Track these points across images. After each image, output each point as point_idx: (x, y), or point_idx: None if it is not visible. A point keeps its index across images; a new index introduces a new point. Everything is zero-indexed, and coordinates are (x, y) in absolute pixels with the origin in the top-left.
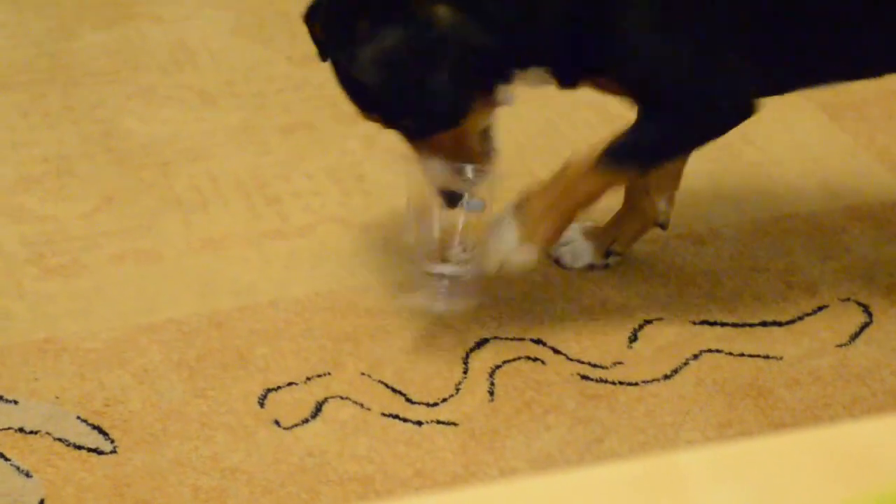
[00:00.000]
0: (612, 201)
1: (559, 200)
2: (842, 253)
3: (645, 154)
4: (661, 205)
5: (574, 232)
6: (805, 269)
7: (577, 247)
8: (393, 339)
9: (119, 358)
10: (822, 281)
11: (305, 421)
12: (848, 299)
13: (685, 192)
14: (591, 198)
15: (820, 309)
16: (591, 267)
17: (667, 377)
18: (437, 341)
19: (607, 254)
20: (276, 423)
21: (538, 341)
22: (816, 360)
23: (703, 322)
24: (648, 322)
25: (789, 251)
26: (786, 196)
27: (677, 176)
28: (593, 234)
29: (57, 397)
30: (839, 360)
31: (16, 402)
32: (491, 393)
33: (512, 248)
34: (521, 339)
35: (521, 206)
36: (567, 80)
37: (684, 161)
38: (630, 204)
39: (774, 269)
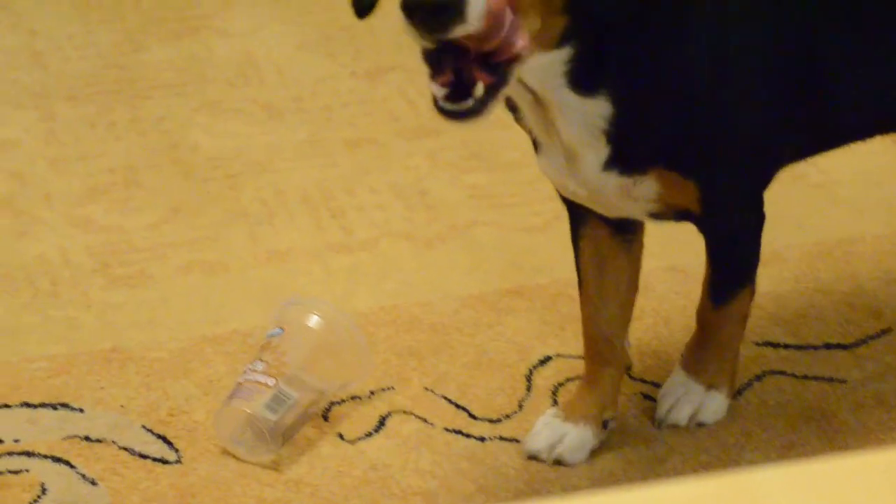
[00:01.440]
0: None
1: (722, 350)
2: None
3: (742, 273)
4: (626, 348)
5: (556, 425)
6: (869, 291)
7: (573, 439)
8: (456, 355)
9: (184, 368)
10: (887, 304)
11: (369, 434)
12: None
13: None
14: (744, 324)
15: (884, 332)
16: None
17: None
18: (501, 358)
19: (604, 423)
20: (340, 436)
21: None
22: (880, 384)
23: (767, 343)
24: None
25: (853, 274)
26: (849, 218)
27: (629, 312)
28: (578, 415)
29: (122, 406)
30: None
31: (82, 411)
32: None
33: (723, 411)
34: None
35: (698, 374)
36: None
37: (634, 297)
38: (597, 365)
39: (838, 292)
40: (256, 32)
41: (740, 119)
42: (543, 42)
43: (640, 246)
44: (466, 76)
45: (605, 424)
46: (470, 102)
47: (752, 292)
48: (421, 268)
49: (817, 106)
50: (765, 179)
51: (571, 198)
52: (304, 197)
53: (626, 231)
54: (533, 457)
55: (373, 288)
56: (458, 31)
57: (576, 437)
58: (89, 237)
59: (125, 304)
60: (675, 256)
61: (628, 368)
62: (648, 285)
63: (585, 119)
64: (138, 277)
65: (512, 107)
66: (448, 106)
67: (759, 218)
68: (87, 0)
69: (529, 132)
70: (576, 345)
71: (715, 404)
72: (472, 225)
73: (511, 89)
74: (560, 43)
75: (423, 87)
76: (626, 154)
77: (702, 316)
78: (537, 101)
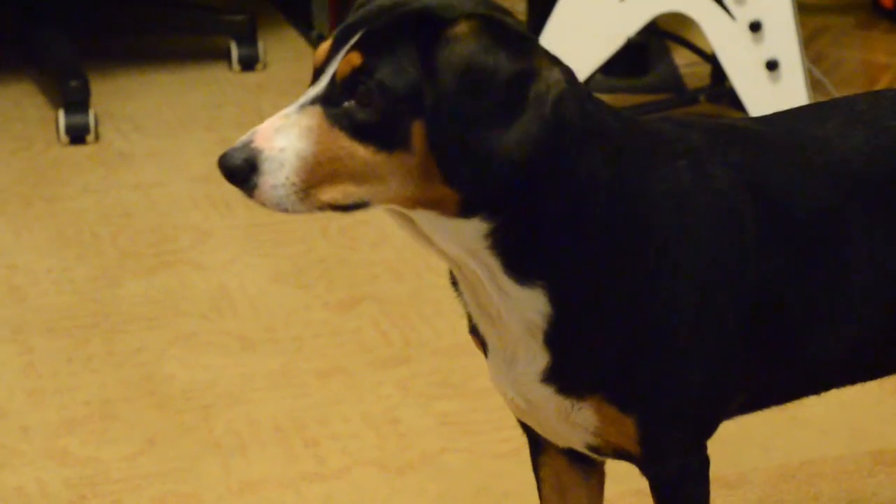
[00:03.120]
0: None
1: None
2: (868, 497)
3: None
4: None
5: None
6: None
7: None
8: None
9: None
10: None
11: None
12: None
13: (715, 437)
14: None
15: None
16: None
17: None
18: None
19: None
20: None
21: None
22: None
23: None
24: None
25: (816, 495)
26: (813, 440)
27: None
28: None
29: None
30: None
31: None
32: None
33: None
34: None
35: None
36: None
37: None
38: None
39: None
40: (230, 265)
41: (691, 363)
42: (438, 208)
43: (602, 475)
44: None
45: None
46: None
47: None
48: (393, 496)
49: (773, 358)
50: (708, 428)
51: (514, 411)
52: (277, 427)
53: (586, 460)
54: None
55: None
56: (260, 197)
57: None
58: (66, 470)
59: None
60: (639, 481)
61: None
62: None
63: (524, 313)
64: None
65: (458, 292)
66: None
67: (703, 461)
68: (65, 236)
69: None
70: None
71: None
72: (443, 452)
73: (448, 265)
74: (464, 213)
75: (395, 318)
76: (565, 368)
77: None
78: (472, 284)
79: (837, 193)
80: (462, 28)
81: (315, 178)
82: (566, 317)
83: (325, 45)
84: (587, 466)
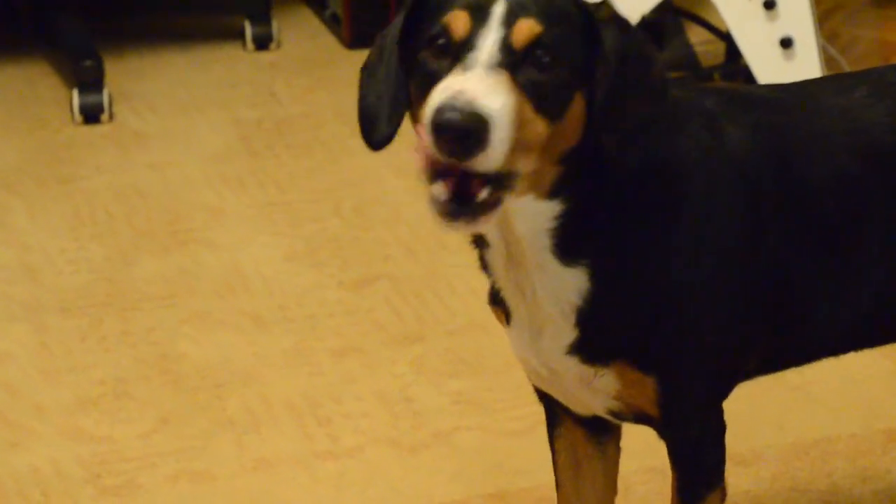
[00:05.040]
0: None
1: None
2: (882, 474)
3: (708, 476)
4: None
5: None
6: (845, 490)
7: None
8: None
9: None
10: (862, 501)
11: None
12: None
13: (729, 414)
14: None
15: None
16: None
17: None
18: None
19: None
20: None
21: None
22: None
23: None
24: None
25: (830, 472)
26: (827, 418)
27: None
28: None
29: None
30: None
31: None
32: None
33: None
34: None
35: None
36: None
37: (612, 500)
38: None
39: (815, 490)
40: (244, 244)
41: (709, 323)
42: (537, 187)
43: (617, 450)
44: (469, 184)
45: None
46: (473, 206)
47: (724, 494)
48: (406, 474)
49: (787, 322)
50: (724, 389)
51: (534, 380)
52: (290, 405)
53: (602, 434)
54: None
55: (359, 495)
56: (480, 163)
57: None
58: (80, 448)
59: None
60: (655, 457)
61: None
62: (629, 487)
63: (561, 291)
64: (128, 487)
65: (484, 264)
66: (451, 208)
67: (719, 426)
68: (79, 216)
69: (497, 293)
70: None
71: None
72: (456, 430)
73: (492, 241)
74: (552, 193)
75: (409, 296)
76: (592, 341)
77: None
78: (513, 260)
79: (856, 161)
80: (615, 15)
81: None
82: (603, 292)
83: (463, 15)
84: (603, 440)
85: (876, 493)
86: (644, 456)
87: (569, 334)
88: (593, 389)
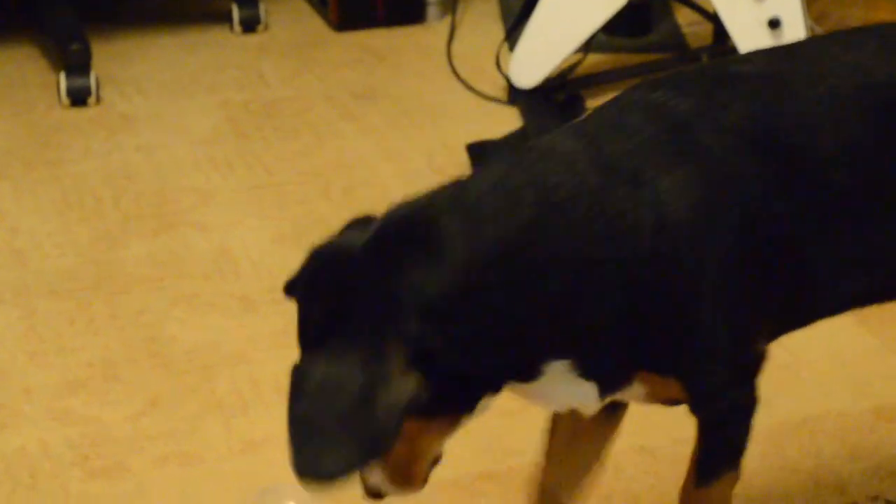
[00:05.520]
0: None
1: None
2: (870, 452)
3: (730, 456)
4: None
5: None
6: (834, 468)
7: None
8: None
9: None
10: (851, 480)
11: None
12: (876, 498)
13: None
14: None
15: None
16: None
17: None
18: None
19: None
20: None
21: None
22: None
23: None
24: None
25: (818, 451)
26: (815, 397)
27: (587, 481)
28: None
29: None
30: None
31: None
32: None
33: None
34: None
35: None
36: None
37: (595, 467)
38: None
39: (804, 469)
40: (233, 226)
41: (711, 312)
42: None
43: (619, 423)
44: None
45: None
46: None
47: (738, 477)
48: None
49: (794, 284)
50: (749, 361)
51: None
52: (279, 387)
53: (612, 409)
54: None
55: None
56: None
57: None
58: (68, 430)
59: (102, 495)
60: (645, 436)
61: None
62: (619, 466)
63: (573, 398)
64: (116, 469)
65: None
66: None
67: (751, 402)
68: (67, 199)
69: None
70: None
71: None
72: None
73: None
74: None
75: None
76: (611, 379)
77: (684, 497)
78: None
79: (866, 119)
80: None
81: None
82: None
83: None
84: (611, 414)
85: (864, 470)
86: (635, 435)
87: (593, 393)
88: (627, 398)
